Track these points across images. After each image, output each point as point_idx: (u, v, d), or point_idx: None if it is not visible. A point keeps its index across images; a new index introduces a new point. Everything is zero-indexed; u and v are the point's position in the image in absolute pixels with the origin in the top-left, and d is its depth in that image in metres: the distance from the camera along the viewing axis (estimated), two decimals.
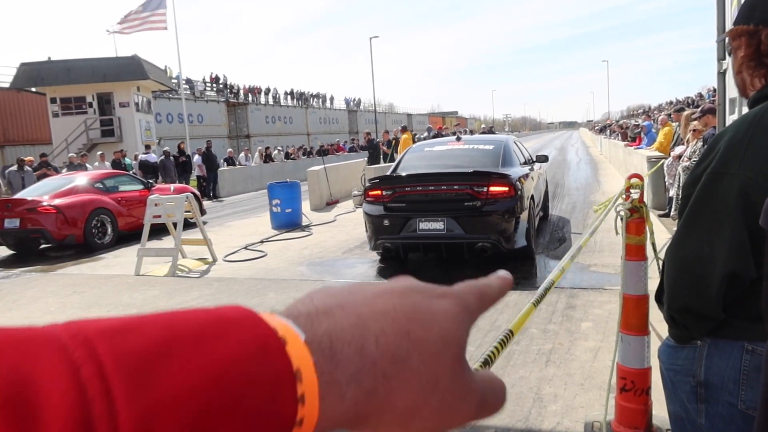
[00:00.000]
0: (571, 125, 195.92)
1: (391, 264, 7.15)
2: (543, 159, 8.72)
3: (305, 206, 12.10)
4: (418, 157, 7.64)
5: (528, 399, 3.43)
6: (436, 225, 6.33)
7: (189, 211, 8.02)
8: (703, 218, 1.37)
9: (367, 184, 7.08)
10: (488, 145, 7.51)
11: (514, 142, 8.19)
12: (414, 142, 16.61)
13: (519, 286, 5.88)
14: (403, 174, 6.86)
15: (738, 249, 1.32)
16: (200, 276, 7.32)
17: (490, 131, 22.81)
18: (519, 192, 6.41)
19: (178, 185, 13.52)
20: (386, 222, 6.54)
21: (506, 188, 6.31)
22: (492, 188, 6.28)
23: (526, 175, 7.12)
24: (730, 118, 5.74)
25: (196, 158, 20.06)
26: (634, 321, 2.84)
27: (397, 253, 6.77)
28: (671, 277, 1.44)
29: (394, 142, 16.71)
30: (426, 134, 21.03)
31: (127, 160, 18.53)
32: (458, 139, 8.13)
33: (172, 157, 18.74)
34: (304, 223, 10.93)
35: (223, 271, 7.47)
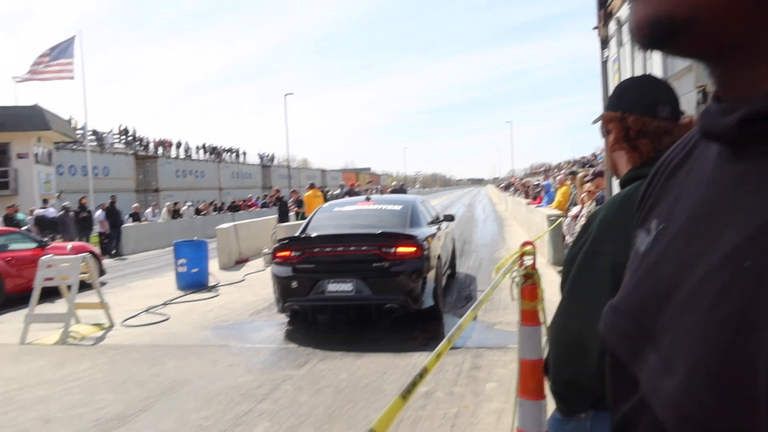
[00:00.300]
0: (479, 182, 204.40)
1: (300, 326, 7.01)
2: (450, 218, 8.99)
3: (213, 265, 11.73)
4: (328, 217, 7.66)
5: None
6: (345, 286, 6.30)
7: (86, 273, 7.55)
8: (582, 295, 1.45)
9: (276, 245, 6.99)
10: (396, 206, 7.67)
11: (422, 202, 8.41)
12: (326, 198, 16.69)
13: (427, 347, 5.91)
14: (313, 234, 6.83)
15: None
16: (94, 343, 6.84)
17: (401, 189, 23.33)
18: (426, 252, 6.54)
19: (76, 243, 12.74)
20: (294, 284, 6.45)
21: (413, 249, 6.42)
22: (399, 249, 6.37)
23: (434, 235, 7.29)
24: (616, 182, 6.24)
25: (98, 213, 19.08)
26: (531, 385, 2.92)
27: (306, 316, 6.66)
28: (554, 353, 1.51)
29: (305, 200, 16.72)
30: (339, 191, 21.21)
31: (21, 215, 17.32)
32: (368, 199, 8.25)
33: (72, 213, 17.72)
34: (211, 284, 10.55)
35: (120, 338, 7.02)
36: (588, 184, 8.26)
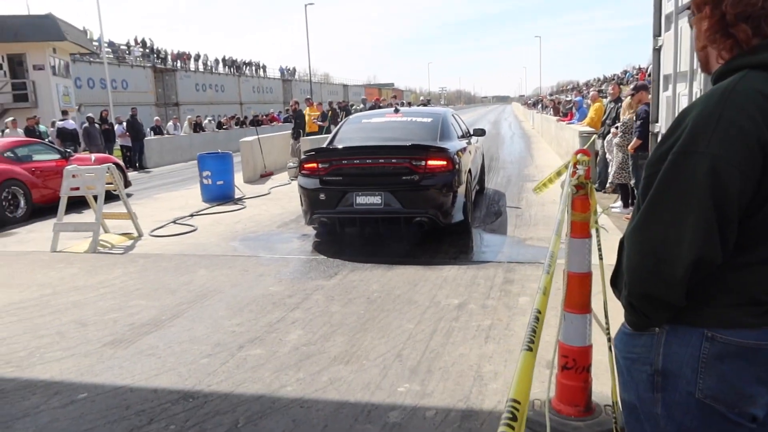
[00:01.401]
0: (504, 99, 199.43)
1: (328, 238, 6.96)
2: (480, 133, 8.69)
3: (238, 178, 11.67)
4: (356, 129, 7.43)
5: (468, 377, 3.37)
6: (374, 199, 6.17)
7: (111, 183, 7.51)
8: (670, 199, 1.27)
9: (303, 157, 6.82)
10: (426, 118, 7.39)
11: (452, 115, 8.11)
12: (333, 113, 16.28)
13: (457, 261, 5.84)
14: (340, 146, 6.64)
15: (706, 233, 1.24)
16: (124, 252, 6.89)
17: (428, 104, 22.79)
18: (457, 166, 6.33)
19: (99, 155, 12.70)
20: (322, 196, 6.33)
21: (444, 162, 6.21)
22: (430, 162, 6.17)
23: (464, 149, 7.05)
24: (664, 95, 5.85)
25: (118, 127, 18.97)
26: (577, 299, 2.80)
27: (334, 228, 6.59)
28: (633, 262, 1.35)
29: (330, 113, 16.35)
30: (362, 106, 20.75)
31: (43, 127, 17.25)
32: (396, 111, 7.96)
33: (96, 124, 17.60)
34: (237, 196, 10.53)
35: (149, 247, 7.06)
36: (628, 98, 7.85)
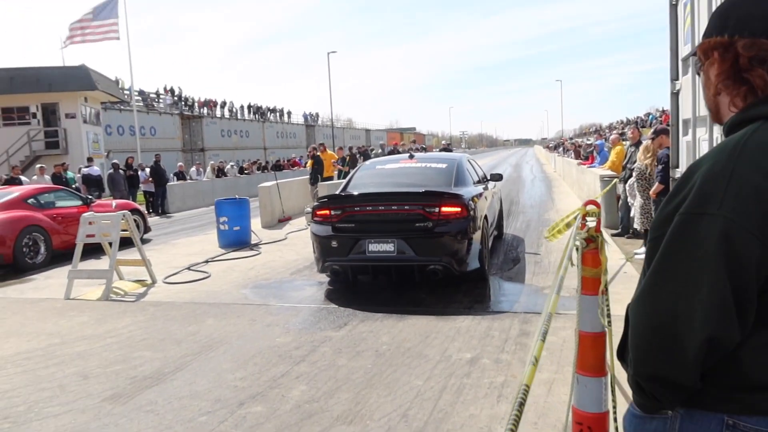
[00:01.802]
0: (526, 142, 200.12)
1: (340, 286, 6.83)
2: (497, 177, 8.58)
3: (256, 223, 11.67)
4: (369, 175, 7.38)
5: None
6: (387, 247, 6.05)
7: (126, 230, 7.52)
8: (678, 268, 1.12)
9: (315, 203, 6.77)
10: (441, 164, 7.31)
11: (468, 161, 8.03)
12: (352, 157, 16.21)
13: (471, 311, 5.65)
14: (353, 193, 6.58)
15: (720, 308, 1.08)
16: (136, 300, 6.84)
17: (448, 148, 22.83)
18: (472, 212, 6.21)
19: (120, 201, 12.87)
20: (334, 243, 6.23)
21: (459, 209, 6.09)
22: (444, 208, 6.05)
23: (480, 195, 6.93)
24: (683, 140, 5.70)
25: (142, 173, 19.32)
26: (591, 361, 2.61)
27: (346, 276, 6.47)
28: (638, 339, 1.19)
29: (348, 158, 16.40)
30: (380, 150, 20.84)
31: (70, 174, 17.67)
32: (411, 156, 7.91)
33: (121, 171, 17.95)
34: (253, 242, 10.50)
35: (161, 295, 7.00)
36: (648, 142, 7.69)
